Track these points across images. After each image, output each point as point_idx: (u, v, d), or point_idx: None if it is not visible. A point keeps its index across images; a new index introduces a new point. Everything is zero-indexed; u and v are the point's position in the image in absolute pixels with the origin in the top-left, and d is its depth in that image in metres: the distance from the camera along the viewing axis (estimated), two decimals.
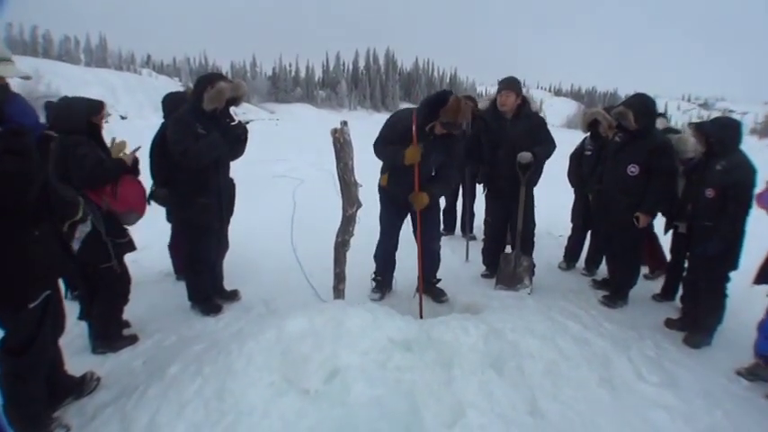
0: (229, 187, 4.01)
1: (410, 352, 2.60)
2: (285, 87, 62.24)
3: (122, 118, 26.20)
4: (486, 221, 5.05)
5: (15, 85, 2.14)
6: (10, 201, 2.03)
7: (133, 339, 3.47)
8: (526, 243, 4.67)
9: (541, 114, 4.69)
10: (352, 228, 3.43)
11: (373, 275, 4.46)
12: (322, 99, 62.88)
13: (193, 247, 3.83)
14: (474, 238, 6.04)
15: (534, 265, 4.63)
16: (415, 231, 4.17)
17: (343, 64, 73.82)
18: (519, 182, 4.43)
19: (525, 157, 4.31)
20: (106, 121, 3.47)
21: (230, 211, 4.18)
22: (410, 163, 3.72)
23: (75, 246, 2.79)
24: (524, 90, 4.55)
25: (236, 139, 3.78)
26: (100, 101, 3.35)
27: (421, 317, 3.84)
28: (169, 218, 4.25)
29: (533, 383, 2.73)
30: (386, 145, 3.88)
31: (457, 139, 3.90)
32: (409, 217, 4.26)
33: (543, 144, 4.42)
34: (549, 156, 4.51)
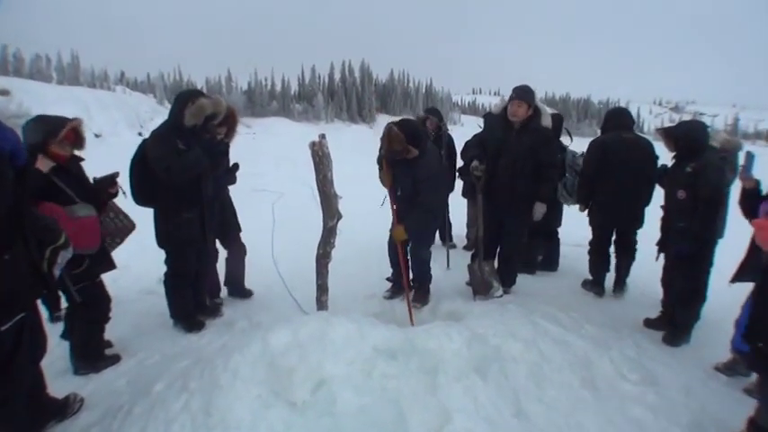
0: (221, 200, 4.05)
1: (395, 360, 2.61)
2: (261, 101, 61.75)
3: (96, 136, 25.57)
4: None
5: None
6: None
7: (116, 359, 3.43)
8: (489, 250, 4.61)
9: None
10: (333, 239, 3.44)
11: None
12: (299, 112, 62.44)
13: (174, 263, 3.81)
14: (454, 246, 6.11)
15: (495, 268, 4.61)
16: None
17: (319, 77, 73.43)
18: (516, 196, 4.32)
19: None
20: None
21: (229, 225, 4.24)
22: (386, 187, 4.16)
23: (57, 271, 2.71)
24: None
25: (218, 154, 3.81)
26: (62, 119, 3.12)
27: (412, 323, 3.86)
28: None
29: (517, 386, 2.76)
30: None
31: (416, 164, 3.98)
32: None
33: (544, 167, 4.27)
34: (552, 183, 4.49)
